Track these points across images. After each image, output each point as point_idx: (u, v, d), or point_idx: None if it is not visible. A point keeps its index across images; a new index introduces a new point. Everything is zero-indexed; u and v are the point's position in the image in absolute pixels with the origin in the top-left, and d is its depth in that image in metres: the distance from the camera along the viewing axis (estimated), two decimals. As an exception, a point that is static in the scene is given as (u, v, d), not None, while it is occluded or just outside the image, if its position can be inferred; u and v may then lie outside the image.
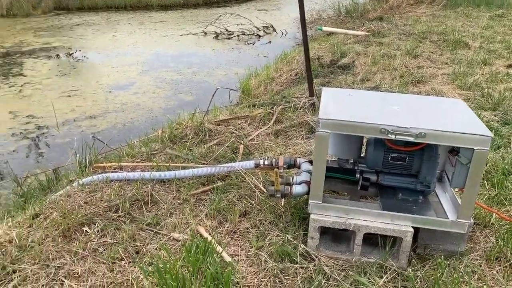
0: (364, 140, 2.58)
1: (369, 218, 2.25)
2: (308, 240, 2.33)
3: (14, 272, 2.16)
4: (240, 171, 2.94)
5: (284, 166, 2.67)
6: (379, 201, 2.44)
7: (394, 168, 2.41)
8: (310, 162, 2.68)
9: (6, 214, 2.89)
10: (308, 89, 4.30)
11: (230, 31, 12.10)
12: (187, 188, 2.95)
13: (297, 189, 2.41)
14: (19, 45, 11.46)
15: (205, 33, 12.23)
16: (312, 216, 2.28)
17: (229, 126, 4.05)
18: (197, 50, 10.61)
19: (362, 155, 2.57)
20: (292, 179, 2.52)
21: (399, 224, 2.22)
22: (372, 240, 2.34)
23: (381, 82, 5.29)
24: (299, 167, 2.70)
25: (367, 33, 7.97)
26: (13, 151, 5.22)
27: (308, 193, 2.40)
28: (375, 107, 2.37)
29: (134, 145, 3.92)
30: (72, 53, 10.40)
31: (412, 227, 2.21)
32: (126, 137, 5.10)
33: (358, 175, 2.46)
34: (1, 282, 2.11)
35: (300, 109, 4.24)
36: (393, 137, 2.08)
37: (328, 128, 2.10)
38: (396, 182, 2.45)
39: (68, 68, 9.07)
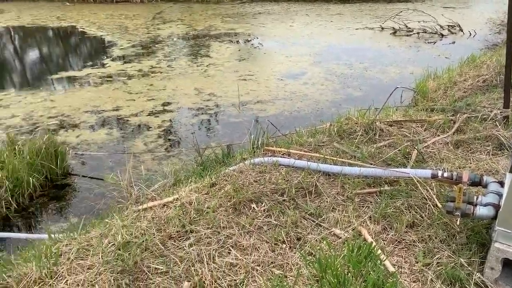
0: None
1: None
2: (485, 270, 2.06)
3: (191, 232, 2.41)
4: (414, 178, 2.75)
5: (468, 182, 2.40)
6: None
7: None
8: (500, 183, 2.35)
9: (188, 179, 3.25)
10: (503, 99, 3.78)
11: (409, 28, 11.43)
12: (352, 186, 2.89)
13: (482, 211, 2.14)
14: (208, 29, 12.75)
15: (382, 28, 11.80)
16: (496, 244, 2.00)
17: (402, 128, 3.83)
18: (371, 45, 10.32)
19: None
20: (476, 198, 2.25)
21: None
22: None
23: None
24: (485, 187, 2.40)
25: None
26: (194, 123, 5.83)
27: (494, 217, 2.11)
28: None
29: (302, 134, 4.00)
30: (250, 40, 11.13)
31: None
32: (291, 125, 5.26)
33: None
34: (181, 238, 2.37)
35: (488, 120, 3.77)
36: None
37: (538, 149, 1.80)
38: None
39: (247, 53, 9.73)
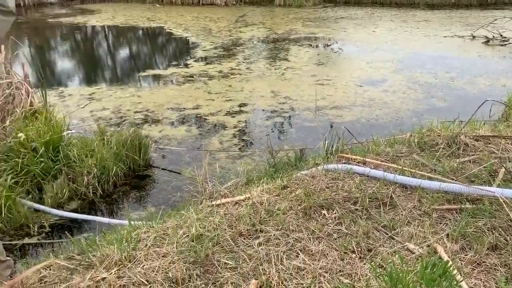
0: None
1: None
2: None
3: (261, 231, 2.45)
4: (500, 198, 2.56)
5: None
6: None
7: None
8: None
9: (260, 180, 3.31)
10: None
11: (505, 37, 10.63)
12: (430, 200, 2.76)
13: None
14: (288, 32, 12.83)
15: (473, 37, 11.10)
16: None
17: (489, 144, 3.58)
18: (460, 54, 9.75)
19: None
20: None
21: None
22: None
23: None
24: None
25: None
26: (268, 125, 5.90)
27: None
28: None
29: (379, 143, 3.89)
30: (330, 44, 11.02)
31: None
32: (368, 132, 5.13)
33: None
34: (250, 236, 2.42)
35: None
36: None
37: None
38: None
39: (326, 58, 9.65)
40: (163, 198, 4.03)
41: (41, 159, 4.02)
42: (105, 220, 3.60)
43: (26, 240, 3.41)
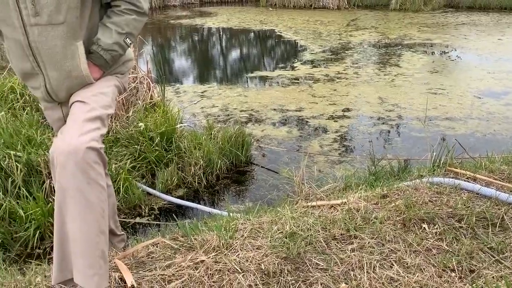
0: None
1: None
2: None
3: (355, 237, 2.43)
4: None
5: None
6: None
7: None
8: None
9: (358, 186, 3.26)
10: None
11: None
12: (550, 227, 2.48)
13: None
14: (402, 37, 12.30)
15: None
16: None
17: None
18: None
19: None
20: None
21: None
22: None
23: None
24: None
25: None
26: (372, 132, 5.75)
27: None
28: None
29: (494, 160, 3.58)
30: (448, 52, 10.33)
31: None
32: (482, 148, 4.75)
33: None
34: (344, 241, 2.42)
35: None
36: None
37: None
38: None
39: (441, 66, 9.08)
40: (260, 195, 4.17)
41: (156, 148, 4.42)
42: (207, 209, 3.85)
43: (138, 220, 3.79)
